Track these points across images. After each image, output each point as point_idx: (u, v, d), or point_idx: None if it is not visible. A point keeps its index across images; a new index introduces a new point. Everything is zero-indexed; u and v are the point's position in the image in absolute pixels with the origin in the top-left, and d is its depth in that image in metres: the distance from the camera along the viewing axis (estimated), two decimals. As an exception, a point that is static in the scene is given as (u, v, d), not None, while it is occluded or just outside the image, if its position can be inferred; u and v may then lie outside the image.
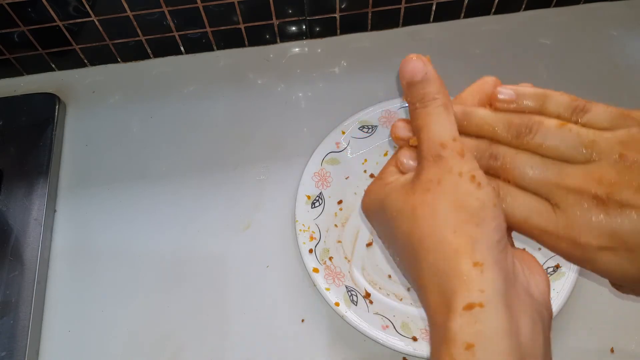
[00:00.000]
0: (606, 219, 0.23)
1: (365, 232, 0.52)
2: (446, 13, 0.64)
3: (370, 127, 0.56)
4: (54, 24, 0.57)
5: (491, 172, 0.27)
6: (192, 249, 0.52)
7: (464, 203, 0.24)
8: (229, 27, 0.61)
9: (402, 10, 0.62)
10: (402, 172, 0.28)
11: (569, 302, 0.47)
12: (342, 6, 0.60)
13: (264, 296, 0.50)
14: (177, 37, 0.61)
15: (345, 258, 0.51)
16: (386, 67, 0.62)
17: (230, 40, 0.63)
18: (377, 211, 0.28)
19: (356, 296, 0.48)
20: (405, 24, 0.64)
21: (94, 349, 0.48)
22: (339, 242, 0.51)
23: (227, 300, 0.50)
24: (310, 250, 0.50)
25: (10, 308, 0.48)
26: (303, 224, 0.51)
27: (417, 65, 0.27)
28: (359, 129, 0.56)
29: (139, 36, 0.60)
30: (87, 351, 0.48)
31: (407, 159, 0.28)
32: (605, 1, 0.66)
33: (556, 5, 0.65)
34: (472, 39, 0.64)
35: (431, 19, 0.64)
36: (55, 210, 0.55)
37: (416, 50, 0.63)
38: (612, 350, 0.46)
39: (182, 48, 0.63)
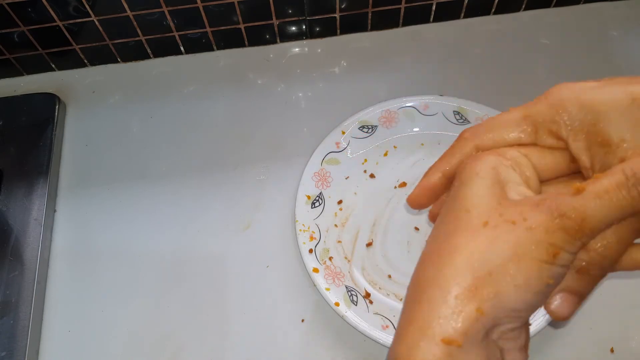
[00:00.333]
0: None
1: (365, 232, 0.52)
2: (446, 13, 0.64)
3: (370, 127, 0.56)
4: (54, 24, 0.57)
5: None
6: (192, 249, 0.52)
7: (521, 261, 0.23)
8: (229, 27, 0.61)
9: (402, 10, 0.62)
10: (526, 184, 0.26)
11: (569, 302, 0.47)
12: (342, 6, 0.60)
13: (264, 296, 0.50)
14: (177, 37, 0.61)
15: (345, 258, 0.51)
16: (386, 67, 0.62)
17: (230, 40, 0.63)
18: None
19: (356, 296, 0.48)
20: (405, 24, 0.64)
21: (94, 349, 0.48)
22: (339, 242, 0.51)
23: (227, 300, 0.50)
24: (310, 250, 0.50)
25: (10, 308, 0.48)
26: (303, 224, 0.51)
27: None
28: (359, 129, 0.56)
29: (139, 36, 0.60)
30: (87, 351, 0.48)
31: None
32: (605, 1, 0.66)
33: (556, 5, 0.65)
34: (472, 39, 0.64)
35: (431, 19, 0.64)
36: (55, 210, 0.55)
37: (416, 50, 0.63)
38: (612, 350, 0.46)
39: (182, 48, 0.63)
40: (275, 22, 0.61)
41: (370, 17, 0.62)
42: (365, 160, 0.55)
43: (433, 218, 0.29)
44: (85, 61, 0.63)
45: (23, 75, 0.64)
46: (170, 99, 0.61)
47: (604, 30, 0.64)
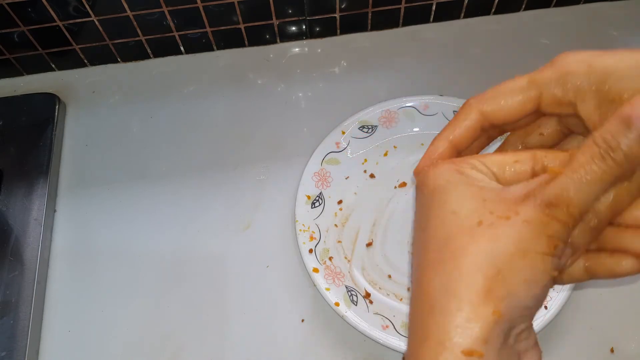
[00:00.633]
0: None
1: (365, 232, 0.52)
2: (446, 13, 0.64)
3: (370, 127, 0.56)
4: (54, 24, 0.57)
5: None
6: (192, 249, 0.52)
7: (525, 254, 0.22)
8: (229, 27, 0.61)
9: (402, 10, 0.62)
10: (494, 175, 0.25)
11: (569, 302, 0.47)
12: (342, 6, 0.60)
13: (264, 296, 0.50)
14: (177, 37, 0.61)
15: (345, 258, 0.51)
16: (386, 67, 0.62)
17: (230, 40, 0.63)
18: (436, 191, 0.25)
19: (356, 296, 0.48)
20: (405, 24, 0.64)
21: (94, 349, 0.48)
22: (339, 242, 0.51)
23: (227, 300, 0.50)
24: (310, 250, 0.50)
25: (10, 308, 0.48)
26: (303, 224, 0.51)
27: None
28: (359, 129, 0.56)
29: (139, 36, 0.60)
30: (87, 351, 0.48)
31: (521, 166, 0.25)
32: (605, 1, 0.66)
33: (556, 5, 0.65)
34: (472, 39, 0.64)
35: (431, 19, 0.64)
36: (55, 210, 0.55)
37: (416, 50, 0.63)
38: (612, 350, 0.46)
39: (182, 48, 0.63)
40: (275, 22, 0.61)
41: (370, 17, 0.62)
42: (365, 160, 0.55)
43: (418, 173, 0.28)
44: (85, 61, 0.63)
45: (23, 75, 0.64)
46: (170, 99, 0.61)
47: (604, 30, 0.64)
